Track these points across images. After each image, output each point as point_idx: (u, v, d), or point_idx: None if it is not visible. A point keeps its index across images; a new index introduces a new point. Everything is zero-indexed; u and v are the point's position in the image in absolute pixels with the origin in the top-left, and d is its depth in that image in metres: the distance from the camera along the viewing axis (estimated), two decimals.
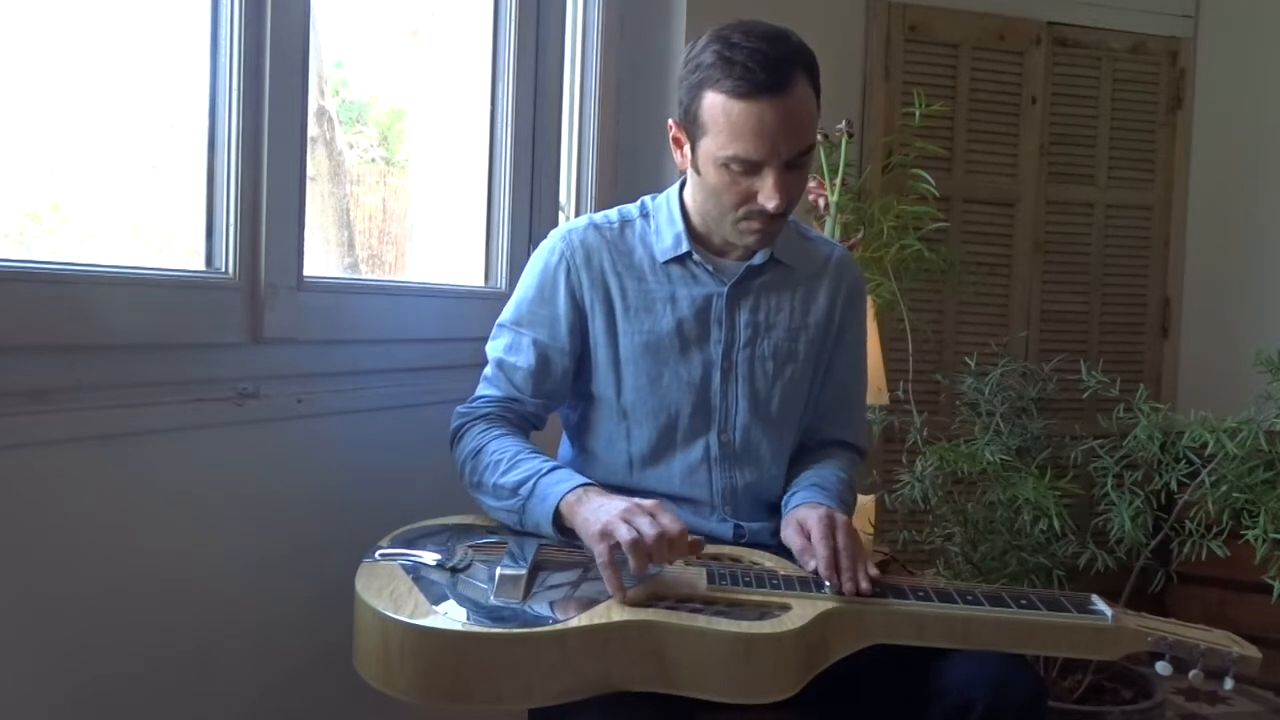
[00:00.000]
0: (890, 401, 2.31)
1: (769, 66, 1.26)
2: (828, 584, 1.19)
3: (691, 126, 1.33)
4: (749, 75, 1.26)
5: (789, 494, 1.42)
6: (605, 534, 1.16)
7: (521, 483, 1.31)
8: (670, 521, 1.17)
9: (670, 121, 1.39)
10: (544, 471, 1.31)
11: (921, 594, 1.19)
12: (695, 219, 1.45)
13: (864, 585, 1.18)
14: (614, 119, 2.30)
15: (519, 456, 1.34)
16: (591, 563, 1.24)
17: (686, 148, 1.37)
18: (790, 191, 1.32)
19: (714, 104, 1.29)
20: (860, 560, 1.21)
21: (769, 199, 1.31)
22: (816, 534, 1.24)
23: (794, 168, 1.32)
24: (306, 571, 1.50)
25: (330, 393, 1.56)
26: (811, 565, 1.22)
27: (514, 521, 1.33)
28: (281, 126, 1.46)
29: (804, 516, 1.29)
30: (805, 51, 1.31)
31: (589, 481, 1.28)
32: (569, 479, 1.28)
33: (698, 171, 1.37)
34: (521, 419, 1.46)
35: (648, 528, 1.15)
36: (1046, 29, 3.00)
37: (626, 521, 1.16)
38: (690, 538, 1.19)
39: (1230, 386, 2.33)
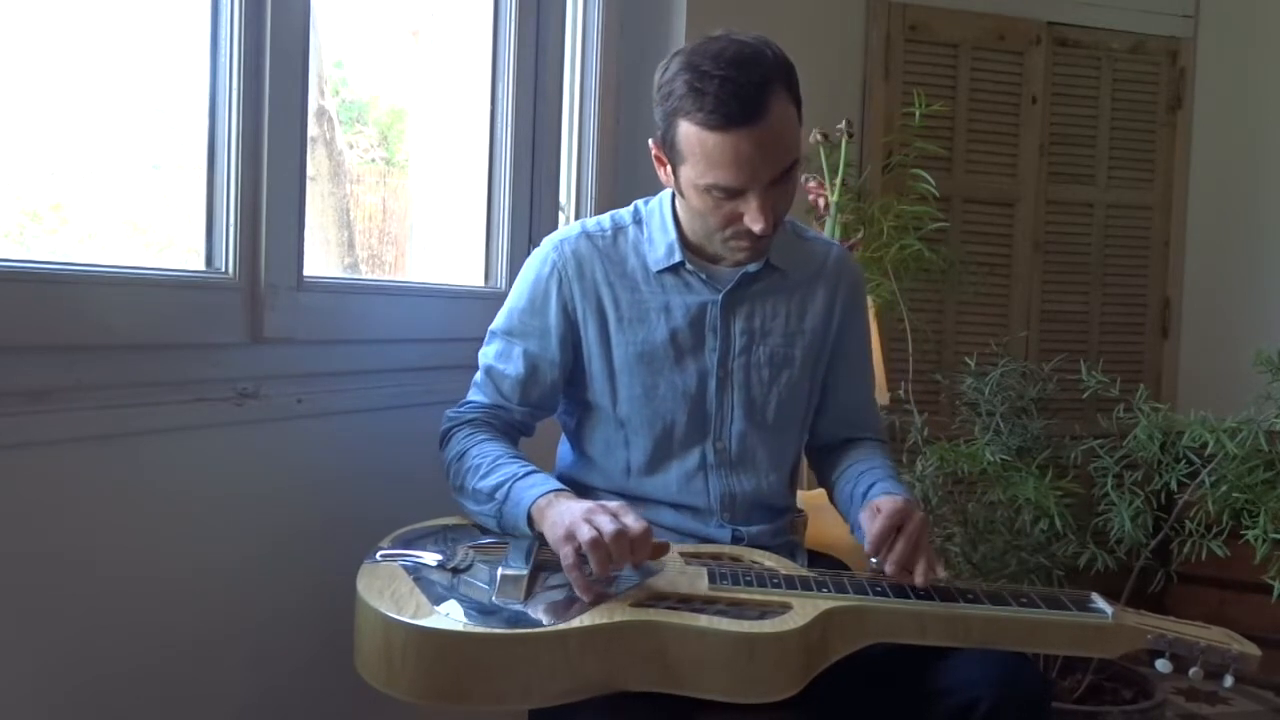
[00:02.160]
0: (890, 401, 2.30)
1: (741, 96, 1.22)
2: (873, 560, 1.20)
3: (670, 152, 1.32)
4: (721, 107, 1.22)
5: (866, 483, 1.39)
6: (569, 536, 1.16)
7: (497, 487, 1.31)
8: (632, 521, 1.16)
9: (650, 141, 1.36)
10: (519, 476, 1.30)
11: (922, 593, 1.19)
12: (687, 230, 1.44)
13: (919, 579, 1.18)
14: (614, 119, 2.29)
15: (498, 461, 1.34)
16: None
17: (668, 168, 1.35)
18: (776, 209, 1.31)
19: (689, 134, 1.26)
20: (922, 554, 1.21)
21: (754, 222, 1.29)
22: (883, 513, 1.23)
23: (779, 184, 1.30)
24: (307, 572, 1.50)
25: (330, 393, 1.56)
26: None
27: (493, 525, 1.33)
28: (281, 126, 1.46)
29: (880, 502, 1.28)
30: (780, 66, 1.27)
31: (561, 487, 1.28)
32: (541, 484, 1.28)
33: (681, 194, 1.36)
34: (508, 426, 1.46)
35: (608, 525, 1.15)
36: (1046, 29, 3.00)
37: (588, 521, 1.16)
38: (655, 541, 1.19)
39: (1230, 386, 2.33)
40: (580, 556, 1.15)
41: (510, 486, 1.30)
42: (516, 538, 1.31)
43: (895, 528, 1.22)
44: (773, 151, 1.26)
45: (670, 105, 1.27)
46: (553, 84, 2.09)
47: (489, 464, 1.34)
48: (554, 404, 1.49)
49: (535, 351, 1.44)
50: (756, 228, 1.29)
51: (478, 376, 1.49)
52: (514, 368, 1.44)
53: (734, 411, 1.43)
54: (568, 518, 1.18)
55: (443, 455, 1.43)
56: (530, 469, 1.32)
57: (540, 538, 1.27)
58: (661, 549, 1.22)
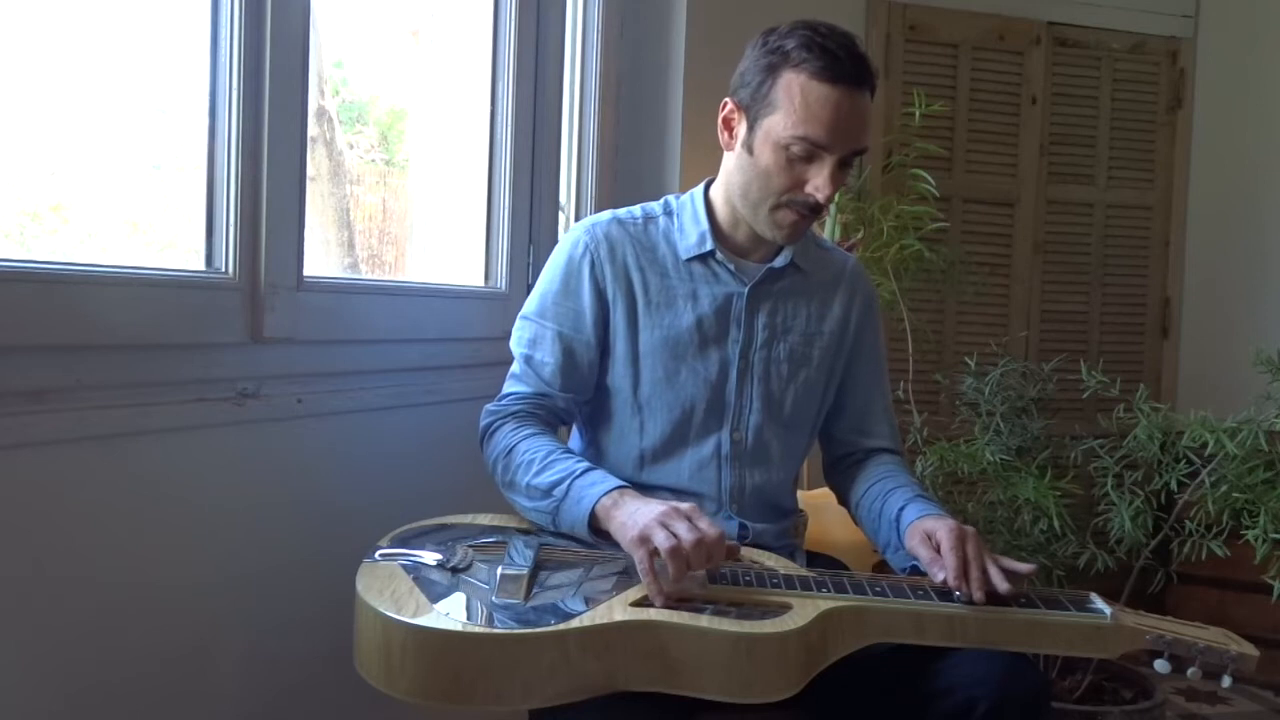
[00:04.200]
0: (890, 402, 2.31)
1: (854, 59, 1.31)
2: (957, 593, 1.19)
3: (757, 105, 1.34)
4: (836, 62, 1.30)
5: (894, 504, 1.40)
6: (644, 539, 1.16)
7: (555, 484, 1.30)
8: (708, 526, 1.17)
9: (726, 100, 1.40)
10: (578, 473, 1.30)
11: (921, 592, 1.19)
12: (724, 208, 1.46)
13: (1003, 586, 1.18)
14: (614, 119, 2.30)
15: (552, 457, 1.34)
16: (593, 563, 1.25)
17: (740, 128, 1.38)
18: (836, 189, 1.35)
19: (792, 83, 1.31)
20: (993, 559, 1.22)
21: (820, 189, 1.33)
22: (946, 544, 1.23)
23: (844, 166, 1.35)
24: (306, 571, 1.50)
25: (330, 393, 1.56)
26: (940, 576, 1.21)
27: (547, 522, 1.33)
28: (281, 126, 1.46)
29: (931, 528, 1.27)
30: (874, 67, 1.36)
31: (624, 484, 1.28)
32: (604, 481, 1.28)
33: (750, 152, 1.37)
34: (552, 415, 1.46)
35: (685, 533, 1.15)
36: (1046, 29, 3.00)
37: (664, 526, 1.16)
38: (728, 542, 1.19)
39: (1230, 386, 2.34)
40: (654, 561, 1.15)
41: (570, 484, 1.29)
42: (526, 535, 1.31)
43: (965, 556, 1.22)
44: (860, 124, 1.33)
45: (776, 59, 1.33)
46: (553, 84, 2.09)
47: (542, 459, 1.34)
48: (591, 388, 1.47)
49: (569, 334, 1.44)
50: (821, 195, 1.33)
51: (516, 368, 1.48)
52: (552, 354, 1.44)
53: (753, 403, 1.45)
54: (641, 520, 1.18)
55: (486, 451, 1.42)
56: (587, 465, 1.32)
57: (595, 539, 1.27)
58: (734, 551, 1.21)
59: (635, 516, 1.19)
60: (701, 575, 1.19)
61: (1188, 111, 3.17)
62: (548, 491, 1.31)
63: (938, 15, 2.88)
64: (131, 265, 1.39)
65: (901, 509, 1.37)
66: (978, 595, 1.18)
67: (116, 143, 1.43)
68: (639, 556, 1.16)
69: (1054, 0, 3.01)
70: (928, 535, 1.27)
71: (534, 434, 1.39)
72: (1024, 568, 1.23)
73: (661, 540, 1.14)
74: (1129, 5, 3.07)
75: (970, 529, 1.26)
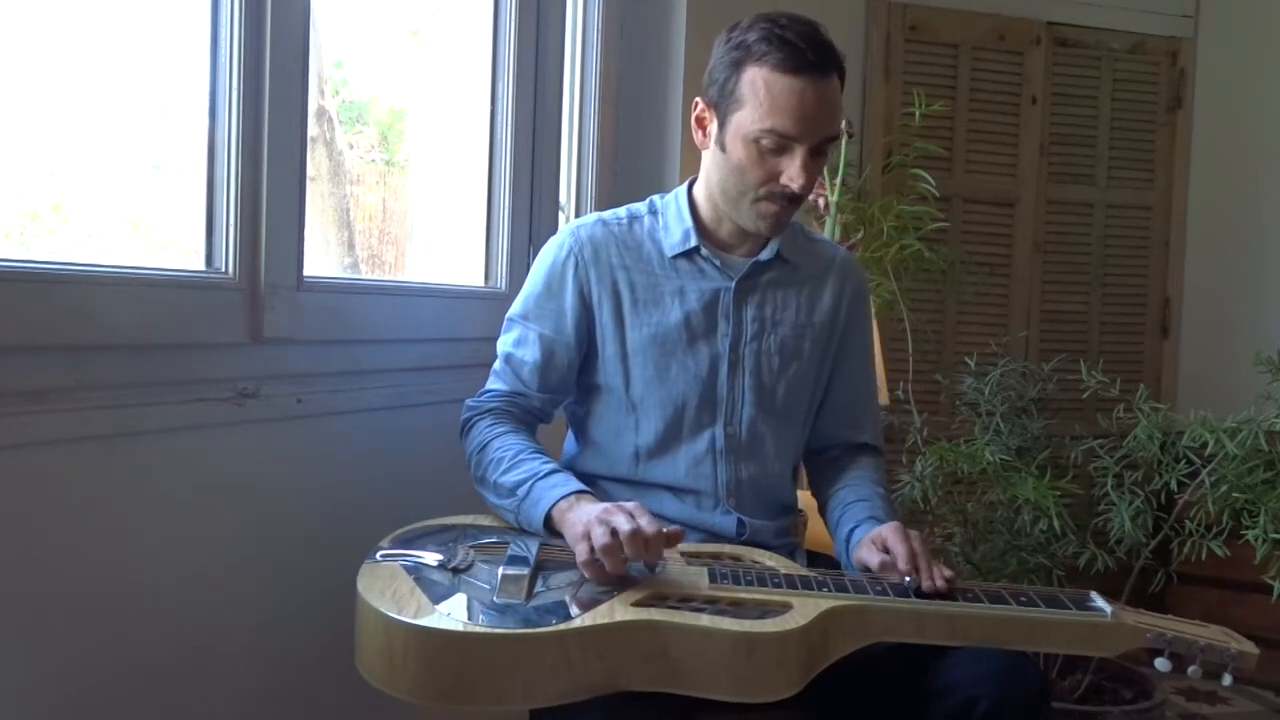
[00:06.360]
0: (890, 401, 2.31)
1: (815, 48, 1.31)
2: (908, 579, 1.20)
3: (725, 101, 1.35)
4: (797, 53, 1.30)
5: (847, 523, 1.40)
6: (585, 535, 1.18)
7: (519, 484, 1.33)
8: (647, 522, 1.18)
9: (697, 100, 1.41)
10: (541, 475, 1.32)
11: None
12: (707, 205, 1.46)
13: (940, 583, 1.19)
14: (614, 119, 2.30)
15: (520, 456, 1.36)
16: None
17: (712, 125, 1.39)
18: (811, 177, 1.35)
19: (756, 77, 1.32)
20: (935, 562, 1.23)
21: (794, 179, 1.33)
22: (892, 538, 1.26)
23: (818, 154, 1.35)
24: (307, 572, 1.50)
25: (330, 393, 1.56)
26: (894, 577, 1.22)
27: (512, 520, 1.35)
28: (281, 126, 1.46)
29: (875, 535, 1.30)
30: (838, 52, 1.36)
31: (582, 488, 1.30)
32: (564, 485, 1.30)
33: (723, 149, 1.38)
34: (527, 414, 1.48)
35: (624, 524, 1.16)
36: (1046, 29, 3.00)
37: (603, 522, 1.18)
38: (669, 529, 1.20)
39: (1230, 386, 2.34)
40: (594, 555, 1.16)
41: (532, 485, 1.31)
42: (528, 535, 1.32)
43: (912, 548, 1.24)
44: (828, 111, 1.33)
45: (739, 54, 1.33)
46: (553, 84, 2.09)
47: (511, 458, 1.36)
48: (570, 389, 1.50)
49: (551, 335, 1.46)
50: (795, 185, 1.34)
51: (497, 365, 1.50)
52: (531, 354, 1.46)
53: (745, 396, 1.45)
54: (585, 518, 1.20)
55: (464, 445, 1.44)
56: (552, 467, 1.34)
57: (553, 540, 1.28)
58: (676, 537, 1.22)
59: (581, 516, 1.22)
60: (697, 575, 1.19)
61: (1188, 111, 3.17)
62: (512, 490, 1.33)
63: (938, 15, 2.88)
64: (131, 265, 1.39)
65: (852, 530, 1.38)
66: (926, 584, 1.19)
67: (116, 143, 1.43)
68: (579, 551, 1.18)
69: (1054, 0, 3.01)
70: (871, 541, 1.29)
71: (507, 431, 1.41)
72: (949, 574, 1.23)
73: (599, 536, 1.16)
74: (1129, 5, 3.08)
75: (914, 532, 1.28)
